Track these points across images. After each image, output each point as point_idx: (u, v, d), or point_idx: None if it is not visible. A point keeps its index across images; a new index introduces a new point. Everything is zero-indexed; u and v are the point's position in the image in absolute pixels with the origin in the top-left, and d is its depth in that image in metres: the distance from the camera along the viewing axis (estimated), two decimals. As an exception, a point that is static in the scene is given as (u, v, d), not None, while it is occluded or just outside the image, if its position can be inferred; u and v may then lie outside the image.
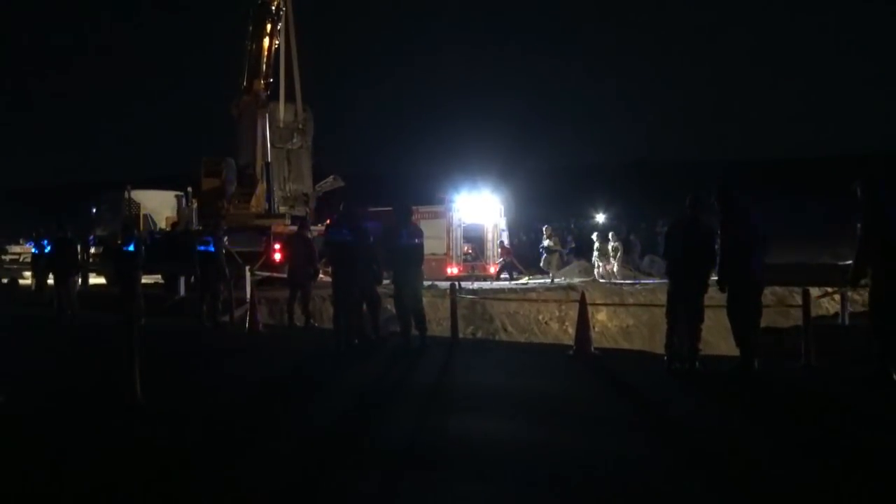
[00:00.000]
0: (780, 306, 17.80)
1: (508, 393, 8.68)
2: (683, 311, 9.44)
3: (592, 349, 10.93)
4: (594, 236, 28.31)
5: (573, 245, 35.83)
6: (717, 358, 10.15)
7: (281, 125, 25.86)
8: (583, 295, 11.40)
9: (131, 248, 14.40)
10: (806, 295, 10.04)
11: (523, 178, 52.04)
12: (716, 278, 9.38)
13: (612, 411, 7.81)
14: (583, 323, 10.99)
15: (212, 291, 14.93)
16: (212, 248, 14.95)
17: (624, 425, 7.20)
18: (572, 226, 30.70)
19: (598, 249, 27.62)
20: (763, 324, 9.52)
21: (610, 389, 9.14)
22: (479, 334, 19.27)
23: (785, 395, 8.48)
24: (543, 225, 28.79)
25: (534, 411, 7.77)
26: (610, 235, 28.23)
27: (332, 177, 28.95)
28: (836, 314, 16.44)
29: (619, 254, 27.84)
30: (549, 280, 26.41)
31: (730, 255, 9.09)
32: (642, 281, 27.38)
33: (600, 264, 27.55)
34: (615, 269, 27.46)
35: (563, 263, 29.98)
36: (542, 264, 27.60)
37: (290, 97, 26.46)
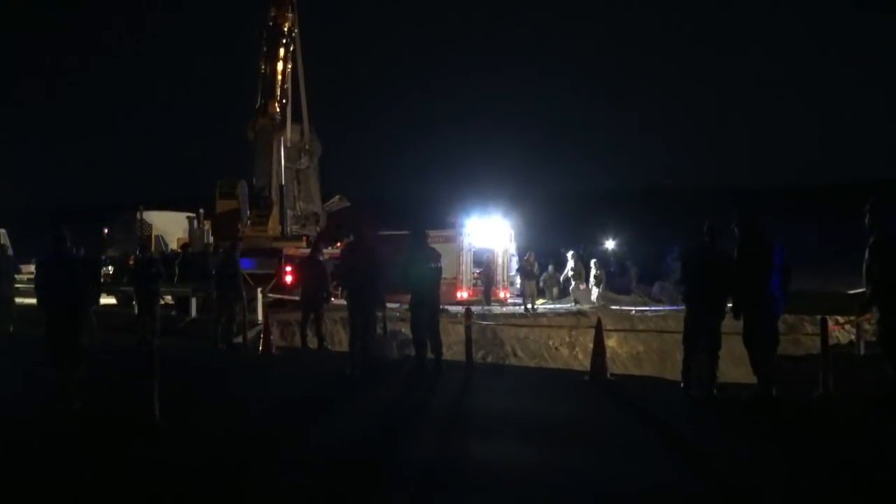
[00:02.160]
0: (791, 334, 17.75)
1: (527, 417, 8.67)
2: (701, 338, 9.43)
3: (608, 375, 10.91)
4: (593, 263, 28.14)
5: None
6: (733, 385, 10.10)
7: (289, 145, 25.99)
8: (599, 321, 11.40)
9: (153, 269, 14.48)
10: (824, 323, 10.00)
11: (533, 202, 52.10)
12: (731, 305, 9.37)
13: (630, 438, 7.80)
14: (599, 348, 10.97)
15: (228, 313, 14.94)
16: (230, 270, 14.97)
17: (643, 452, 7.18)
18: (581, 251, 30.50)
19: (574, 270, 27.79)
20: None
21: (628, 415, 9.11)
22: (490, 359, 19.20)
23: (805, 423, 8.45)
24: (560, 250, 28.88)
25: (554, 436, 7.77)
26: (593, 263, 28.03)
27: (337, 196, 29.07)
28: (851, 343, 16.39)
29: (602, 283, 27.85)
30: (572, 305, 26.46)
31: (747, 283, 9.08)
32: (653, 308, 27.30)
33: (575, 283, 27.64)
34: (593, 296, 27.41)
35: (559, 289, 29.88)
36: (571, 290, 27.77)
37: (296, 117, 26.61)
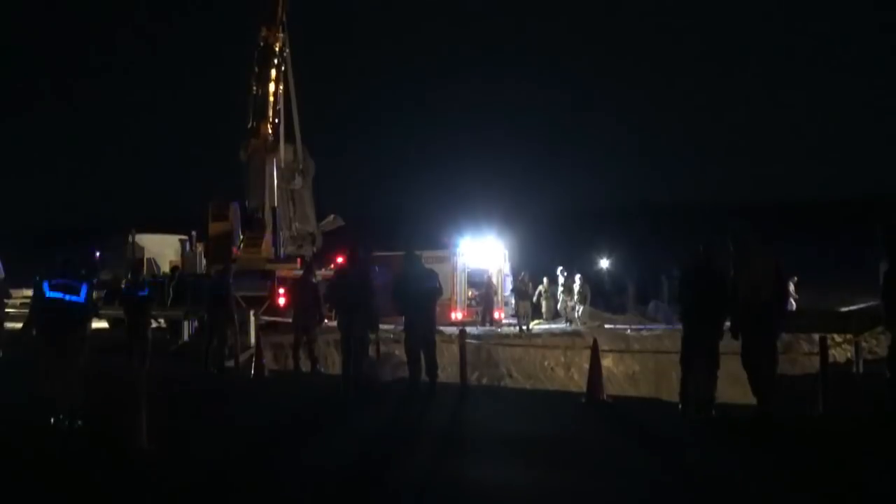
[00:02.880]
0: (788, 353, 17.67)
1: (522, 439, 8.55)
2: (698, 358, 9.33)
3: (605, 396, 10.79)
4: (577, 278, 28.01)
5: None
6: (732, 405, 9.99)
7: (282, 165, 25.88)
8: (595, 342, 11.27)
9: (145, 292, 14.35)
10: (823, 342, 9.91)
11: (526, 222, 52.11)
12: (729, 324, 9.28)
13: (627, 460, 7.68)
14: (595, 369, 10.85)
15: (219, 336, 14.80)
16: (222, 292, 14.85)
17: (640, 474, 7.08)
18: (575, 270, 30.47)
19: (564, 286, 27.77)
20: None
21: (624, 437, 8.99)
22: (485, 380, 19.09)
23: (805, 444, 8.33)
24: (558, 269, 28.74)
25: (549, 458, 7.66)
26: (577, 279, 27.99)
27: (332, 216, 28.90)
28: (848, 361, 16.29)
29: (587, 300, 27.84)
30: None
31: (744, 301, 8.99)
32: (648, 326, 27.24)
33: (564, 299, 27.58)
34: (578, 314, 27.34)
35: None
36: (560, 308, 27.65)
37: (289, 137, 26.53)
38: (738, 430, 8.82)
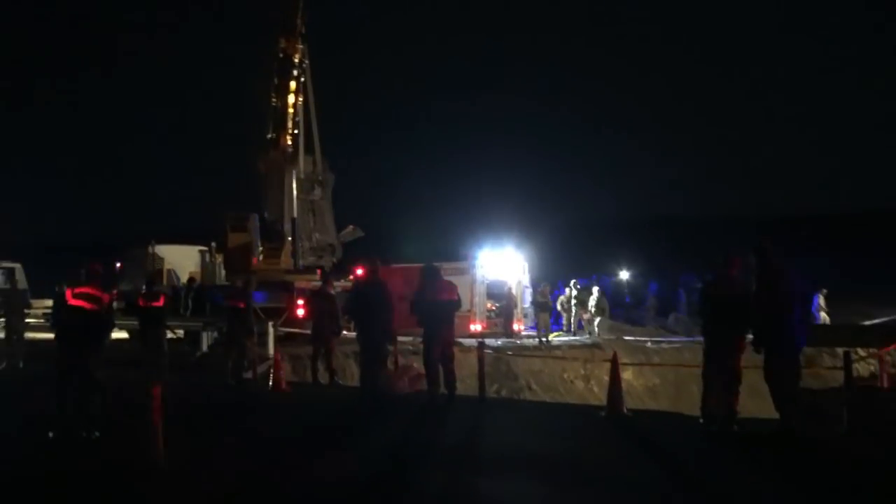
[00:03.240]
0: (810, 367, 17.44)
1: (540, 455, 8.44)
2: (720, 372, 9.22)
3: (625, 409, 10.67)
4: (595, 290, 27.74)
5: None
6: (754, 420, 9.84)
7: (301, 176, 25.94)
8: (615, 355, 11.15)
9: (160, 303, 14.38)
10: (847, 357, 9.75)
11: (545, 233, 51.96)
12: (751, 338, 9.16)
13: (647, 476, 7.57)
14: (615, 383, 10.73)
15: (238, 347, 14.79)
16: (241, 304, 14.86)
17: (661, 491, 6.98)
18: (592, 284, 30.19)
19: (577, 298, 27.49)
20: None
21: (645, 453, 8.85)
22: (504, 392, 18.97)
23: (829, 461, 8.18)
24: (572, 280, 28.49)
25: (568, 474, 7.57)
26: (595, 290, 27.57)
27: (351, 227, 28.93)
28: (872, 375, 16.05)
29: (605, 312, 27.45)
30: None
31: (766, 315, 8.87)
32: (668, 339, 27.01)
33: (578, 312, 27.31)
34: (595, 327, 27.09)
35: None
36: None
37: (308, 148, 26.60)
38: (760, 446, 8.68)
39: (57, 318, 9.69)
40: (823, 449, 8.66)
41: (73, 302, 9.31)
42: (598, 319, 26.92)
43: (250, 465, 8.13)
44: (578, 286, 27.63)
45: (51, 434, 9.13)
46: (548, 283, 26.84)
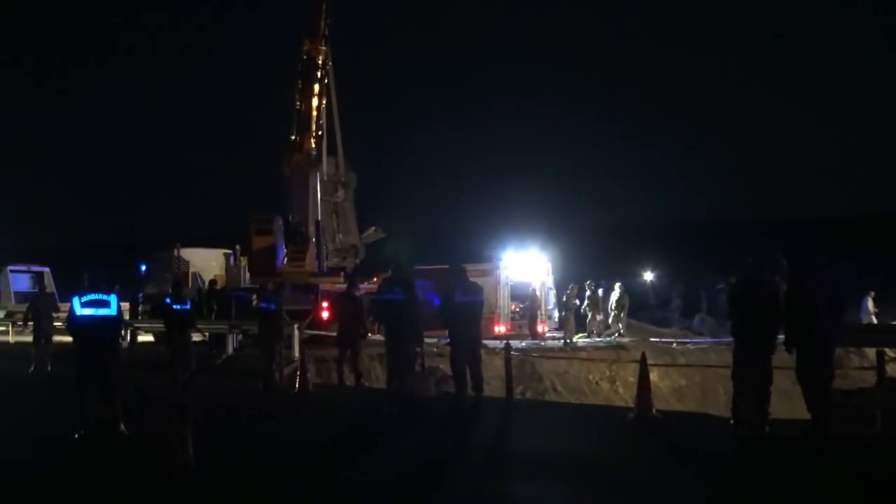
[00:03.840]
0: (838, 368, 17.20)
1: (572, 458, 8.39)
2: (750, 374, 9.12)
3: (654, 411, 10.57)
4: (618, 286, 27.37)
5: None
6: (786, 422, 9.72)
7: (324, 178, 25.98)
8: (643, 356, 11.03)
9: (187, 305, 14.45)
10: (880, 357, 9.60)
11: (568, 235, 51.76)
12: (782, 338, 9.06)
13: (680, 480, 7.51)
14: (644, 385, 10.63)
15: (268, 350, 14.87)
16: (273, 307, 14.92)
17: (692, 496, 6.90)
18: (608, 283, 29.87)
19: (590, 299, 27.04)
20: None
21: (675, 456, 8.76)
22: (528, 394, 18.87)
23: (862, 464, 8.06)
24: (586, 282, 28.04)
25: (599, 478, 7.50)
26: (618, 287, 27.20)
27: (373, 228, 28.95)
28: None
29: (624, 310, 27.08)
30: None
31: (798, 316, 8.78)
32: (694, 340, 26.78)
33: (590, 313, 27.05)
34: (621, 326, 26.79)
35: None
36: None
37: (330, 150, 26.65)
38: (792, 448, 8.58)
39: (71, 327, 9.80)
40: (856, 451, 8.54)
41: (82, 310, 9.43)
42: (620, 318, 26.60)
43: (278, 468, 8.13)
44: (592, 287, 27.30)
45: (77, 435, 9.26)
46: (575, 284, 26.57)
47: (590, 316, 27.13)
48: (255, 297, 18.62)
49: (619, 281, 27.69)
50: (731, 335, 9.76)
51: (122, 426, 9.31)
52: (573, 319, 25.55)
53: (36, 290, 26.93)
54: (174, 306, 14.54)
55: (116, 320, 9.84)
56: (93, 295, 9.50)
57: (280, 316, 15.09)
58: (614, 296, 26.80)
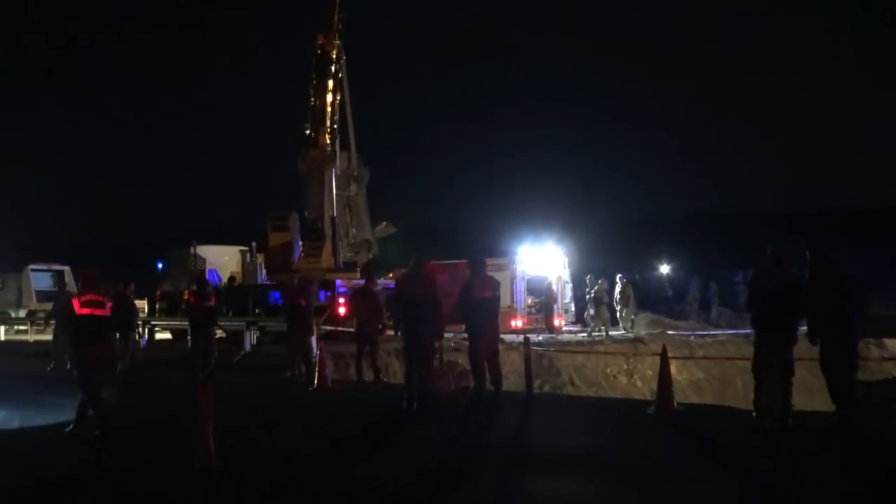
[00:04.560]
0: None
1: (592, 453, 8.35)
2: (772, 365, 9.06)
3: (675, 405, 10.52)
4: (618, 278, 26.88)
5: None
6: (809, 414, 9.65)
7: (338, 172, 25.96)
8: (664, 349, 10.98)
9: (212, 303, 14.49)
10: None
11: (584, 229, 51.60)
12: (805, 329, 9.00)
13: (704, 474, 7.44)
14: (664, 378, 10.59)
15: (297, 346, 14.95)
16: (301, 304, 15.02)
17: (716, 490, 6.85)
18: (636, 277, 29.66)
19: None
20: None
21: (698, 450, 8.69)
22: (546, 388, 18.84)
23: (888, 456, 7.99)
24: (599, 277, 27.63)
25: (620, 473, 7.45)
26: (619, 278, 26.54)
27: (384, 223, 28.90)
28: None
29: (630, 302, 26.47)
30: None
31: (821, 306, 8.72)
32: (712, 332, 26.64)
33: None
34: (632, 319, 26.54)
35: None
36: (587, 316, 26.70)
37: (343, 144, 26.64)
38: (816, 440, 8.52)
39: (72, 328, 10.09)
40: (881, 443, 8.48)
41: (81, 311, 9.65)
42: (624, 311, 26.30)
43: (299, 464, 8.13)
44: (624, 280, 27.03)
45: (97, 432, 9.40)
46: (605, 279, 26.16)
47: (618, 309, 26.86)
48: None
49: (619, 273, 27.15)
50: (752, 326, 9.71)
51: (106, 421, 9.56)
52: (607, 312, 25.36)
53: (56, 290, 27.10)
54: (200, 303, 14.53)
55: (111, 320, 10.14)
56: (90, 296, 9.76)
57: (310, 311, 15.21)
58: (617, 288, 26.44)
